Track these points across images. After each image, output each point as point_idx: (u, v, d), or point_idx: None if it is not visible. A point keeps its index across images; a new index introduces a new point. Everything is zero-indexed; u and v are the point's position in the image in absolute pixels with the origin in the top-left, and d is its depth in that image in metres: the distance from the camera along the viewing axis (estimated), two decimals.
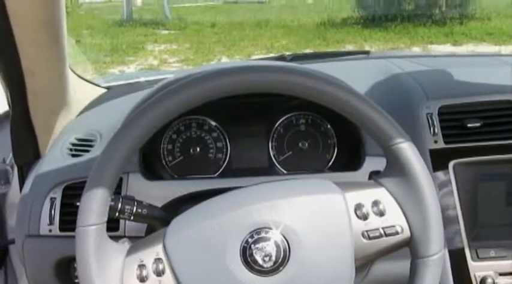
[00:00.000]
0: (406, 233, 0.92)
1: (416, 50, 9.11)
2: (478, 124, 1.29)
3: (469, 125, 1.29)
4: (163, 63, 9.08)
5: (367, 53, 2.08)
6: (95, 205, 0.86)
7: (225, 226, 0.88)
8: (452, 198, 1.26)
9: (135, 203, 1.03)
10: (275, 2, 16.41)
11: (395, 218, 0.92)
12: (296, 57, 1.99)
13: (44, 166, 1.31)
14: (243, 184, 1.00)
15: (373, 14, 11.76)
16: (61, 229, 1.22)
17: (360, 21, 11.82)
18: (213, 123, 1.42)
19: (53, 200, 1.23)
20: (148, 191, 1.22)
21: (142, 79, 2.04)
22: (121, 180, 1.22)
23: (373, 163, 1.25)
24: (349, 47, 9.63)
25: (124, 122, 1.19)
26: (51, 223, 1.22)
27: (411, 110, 1.33)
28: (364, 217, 0.92)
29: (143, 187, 1.23)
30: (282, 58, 1.99)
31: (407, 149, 0.92)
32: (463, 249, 1.25)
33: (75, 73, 1.63)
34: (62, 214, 1.23)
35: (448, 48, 9.08)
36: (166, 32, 12.25)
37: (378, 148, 0.98)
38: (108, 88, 1.88)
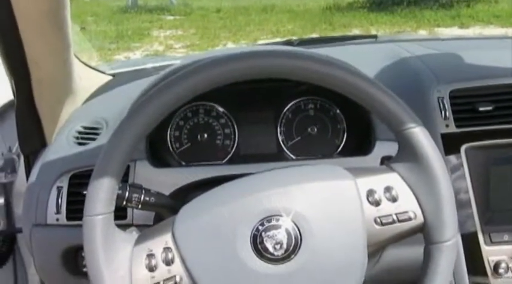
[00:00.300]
0: (420, 219, 0.90)
1: (423, 33, 9.08)
2: (489, 108, 1.27)
3: (480, 109, 1.27)
4: (169, 49, 9.10)
5: (374, 37, 2.05)
6: (102, 194, 0.85)
7: (235, 214, 0.87)
8: (465, 181, 1.24)
9: (143, 191, 1.01)
10: None
11: (408, 204, 0.91)
12: (303, 42, 1.97)
13: (50, 154, 1.30)
14: (251, 170, 0.99)
15: None
16: (68, 218, 1.21)
17: (366, 5, 11.79)
18: (221, 109, 1.40)
19: (59, 189, 1.22)
20: (155, 178, 1.21)
21: (148, 65, 2.02)
22: (128, 167, 1.20)
23: (384, 147, 1.23)
24: (356, 31, 9.61)
25: (130, 109, 1.18)
26: (58, 212, 1.21)
27: (422, 94, 1.31)
28: (377, 203, 0.90)
29: (151, 175, 1.22)
30: (289, 43, 1.96)
31: (419, 133, 0.90)
32: (476, 233, 1.23)
33: (80, 60, 1.61)
34: (68, 203, 1.22)
35: (455, 31, 9.06)
36: (171, 17, 12.24)
37: (388, 132, 0.96)
38: (113, 75, 1.86)
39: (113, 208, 0.87)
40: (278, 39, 8.94)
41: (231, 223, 0.86)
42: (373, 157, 1.23)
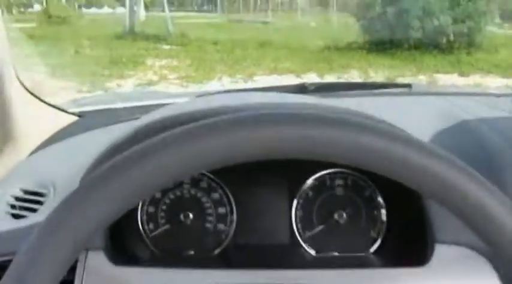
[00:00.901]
0: None
1: (422, 78, 9.02)
2: None
3: None
4: (163, 79, 9.10)
5: (408, 86, 1.66)
6: None
7: None
8: None
9: None
10: (279, 23, 16.55)
11: None
12: (320, 88, 1.59)
13: None
14: (254, 280, 0.71)
15: (378, 39, 11.59)
16: None
17: (365, 46, 11.76)
18: (215, 180, 1.02)
19: None
20: (113, 281, 0.83)
21: (128, 104, 1.63)
22: (76, 261, 0.82)
23: (448, 255, 0.84)
24: (354, 72, 9.56)
25: (84, 180, 0.81)
26: None
27: (497, 180, 0.93)
28: None
29: (107, 275, 0.83)
30: (302, 87, 1.58)
31: None
32: None
33: (31, 93, 1.24)
34: None
35: (454, 78, 8.97)
36: (167, 47, 12.37)
37: (454, 232, 0.70)
38: (79, 115, 1.47)
39: None
40: (276, 76, 8.90)
41: None
42: (433, 271, 0.84)
